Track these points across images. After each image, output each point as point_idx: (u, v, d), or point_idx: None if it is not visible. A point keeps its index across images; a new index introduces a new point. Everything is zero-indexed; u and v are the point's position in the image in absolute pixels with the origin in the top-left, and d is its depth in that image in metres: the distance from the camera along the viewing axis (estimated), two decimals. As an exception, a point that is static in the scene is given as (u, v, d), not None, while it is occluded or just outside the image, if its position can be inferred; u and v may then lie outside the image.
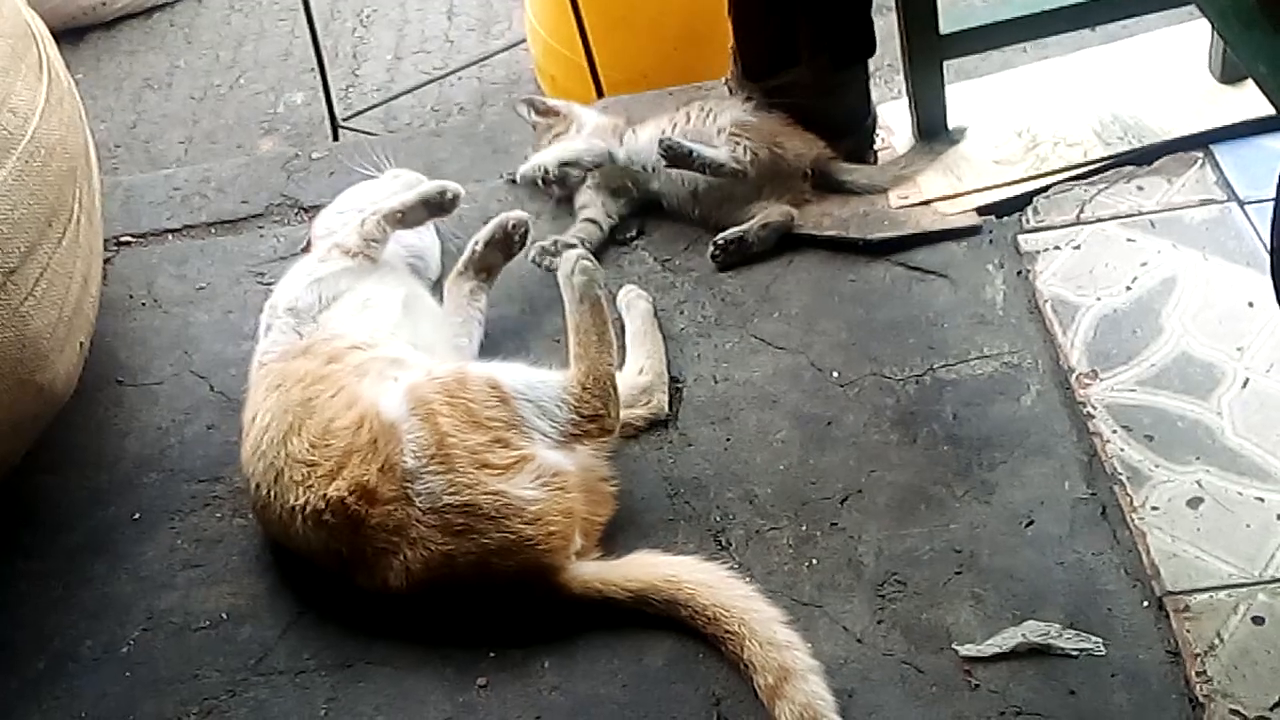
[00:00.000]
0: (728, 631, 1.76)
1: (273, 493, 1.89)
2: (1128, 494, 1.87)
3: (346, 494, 1.82)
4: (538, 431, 1.88)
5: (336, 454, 1.85)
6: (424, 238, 2.36)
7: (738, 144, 2.39)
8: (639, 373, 2.15)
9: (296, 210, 2.67)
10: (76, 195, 2.14)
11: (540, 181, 2.50)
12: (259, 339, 2.13)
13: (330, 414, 1.89)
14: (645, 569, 1.85)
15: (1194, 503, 1.85)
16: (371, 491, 1.81)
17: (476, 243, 2.26)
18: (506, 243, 2.27)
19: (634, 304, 2.27)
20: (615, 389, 1.96)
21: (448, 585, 1.81)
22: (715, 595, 1.79)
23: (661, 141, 2.37)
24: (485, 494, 1.80)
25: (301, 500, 1.85)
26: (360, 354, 2.00)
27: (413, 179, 2.42)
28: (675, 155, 2.37)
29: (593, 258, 2.05)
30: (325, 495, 1.83)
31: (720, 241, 2.35)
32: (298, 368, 1.98)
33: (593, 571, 1.85)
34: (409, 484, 1.80)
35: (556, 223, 2.49)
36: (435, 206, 2.23)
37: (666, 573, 1.83)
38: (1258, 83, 1.30)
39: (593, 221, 2.45)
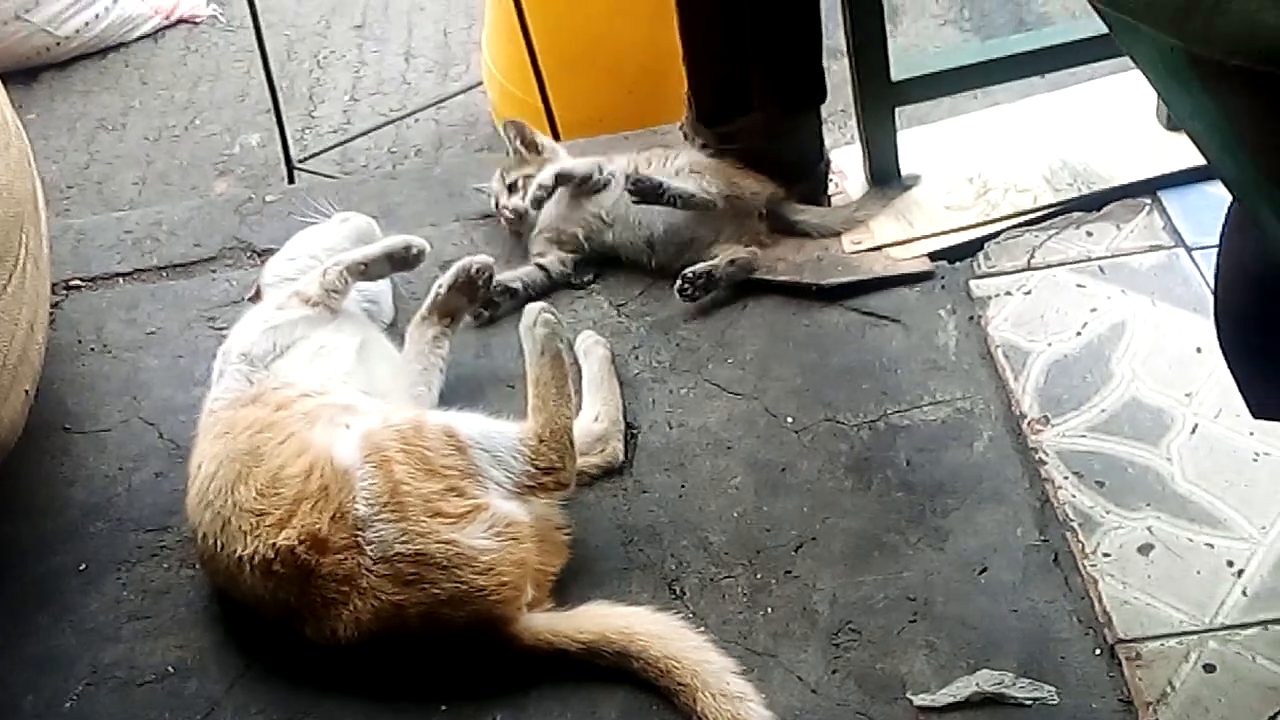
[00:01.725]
0: (680, 684, 1.74)
1: (219, 542, 1.86)
2: (1079, 540, 1.88)
3: (296, 543, 1.79)
4: (493, 481, 1.87)
5: (286, 502, 1.83)
6: (377, 282, 2.34)
7: (700, 178, 2.40)
8: (594, 420, 2.14)
9: (249, 254, 2.65)
10: (23, 241, 2.11)
11: (528, 201, 2.47)
12: (211, 385, 2.11)
13: (279, 461, 1.87)
14: (597, 620, 1.83)
15: (1144, 549, 1.86)
16: (322, 540, 1.79)
17: (440, 286, 2.24)
18: (470, 286, 2.25)
19: (592, 350, 2.26)
20: (572, 443, 1.95)
21: (398, 636, 1.79)
22: (667, 646, 1.77)
23: (628, 177, 2.38)
24: (438, 543, 1.78)
25: (249, 550, 1.82)
26: (309, 401, 1.98)
27: (363, 223, 2.41)
28: (644, 190, 2.36)
29: (554, 311, 2.04)
30: (274, 544, 1.80)
31: (689, 275, 2.34)
32: (246, 415, 1.96)
33: (544, 622, 1.83)
34: (360, 532, 1.78)
35: (511, 266, 2.48)
36: (399, 261, 2.22)
37: (618, 624, 1.81)
38: (1192, 139, 1.31)
39: (543, 269, 2.45)
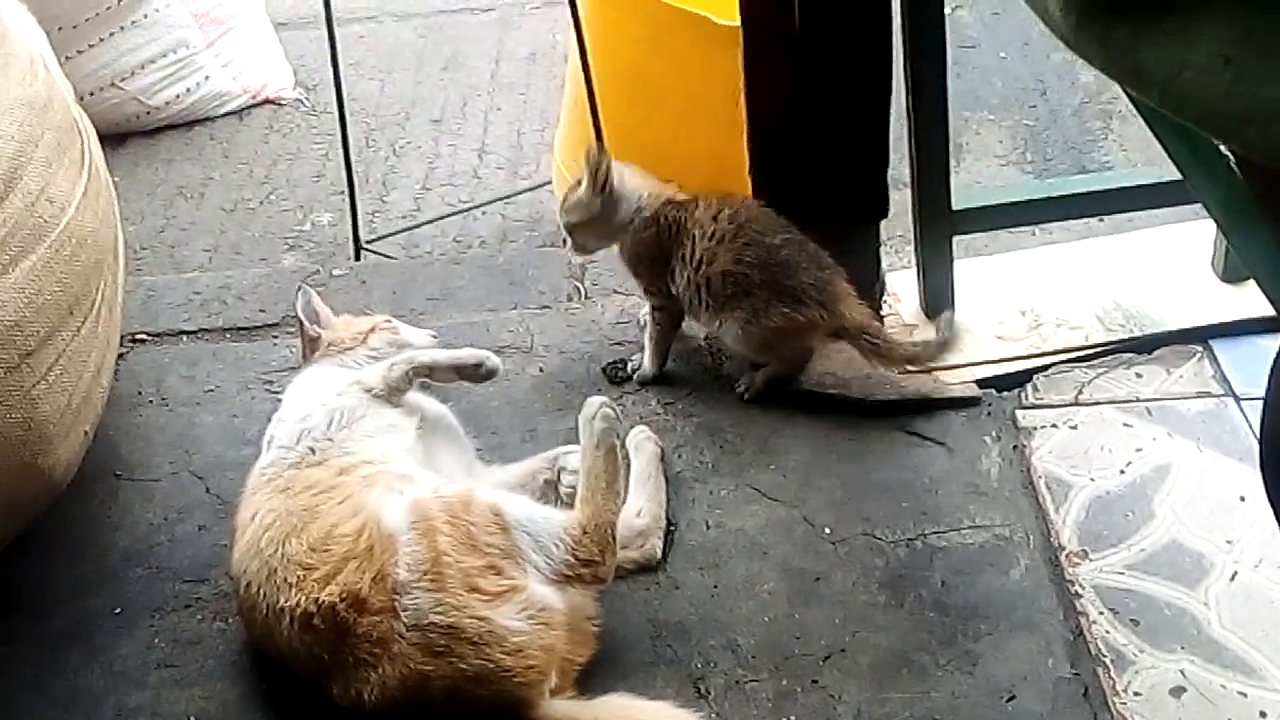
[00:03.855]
0: (696, 783, 1.73)
1: (263, 592, 1.89)
2: (1111, 677, 1.87)
3: (338, 599, 1.82)
4: (532, 565, 1.88)
5: (334, 559, 1.86)
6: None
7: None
8: (637, 514, 2.14)
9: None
10: (100, 287, 2.19)
11: None
12: (263, 451, 2.13)
13: (334, 520, 1.90)
14: (617, 712, 1.83)
15: (1176, 691, 1.84)
16: (362, 600, 1.81)
17: None
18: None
19: (643, 446, 2.28)
20: (614, 539, 1.96)
21: (421, 707, 1.80)
22: (688, 745, 1.77)
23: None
24: (471, 618, 1.80)
25: (292, 602, 1.85)
26: (370, 468, 2.02)
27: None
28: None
29: (614, 406, 2.06)
30: (317, 599, 1.83)
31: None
32: (309, 475, 2.00)
33: (564, 710, 1.83)
34: (398, 596, 1.80)
35: (568, 356, 2.52)
36: (467, 374, 2.22)
37: (639, 717, 1.81)
38: (1258, 281, 1.33)
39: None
